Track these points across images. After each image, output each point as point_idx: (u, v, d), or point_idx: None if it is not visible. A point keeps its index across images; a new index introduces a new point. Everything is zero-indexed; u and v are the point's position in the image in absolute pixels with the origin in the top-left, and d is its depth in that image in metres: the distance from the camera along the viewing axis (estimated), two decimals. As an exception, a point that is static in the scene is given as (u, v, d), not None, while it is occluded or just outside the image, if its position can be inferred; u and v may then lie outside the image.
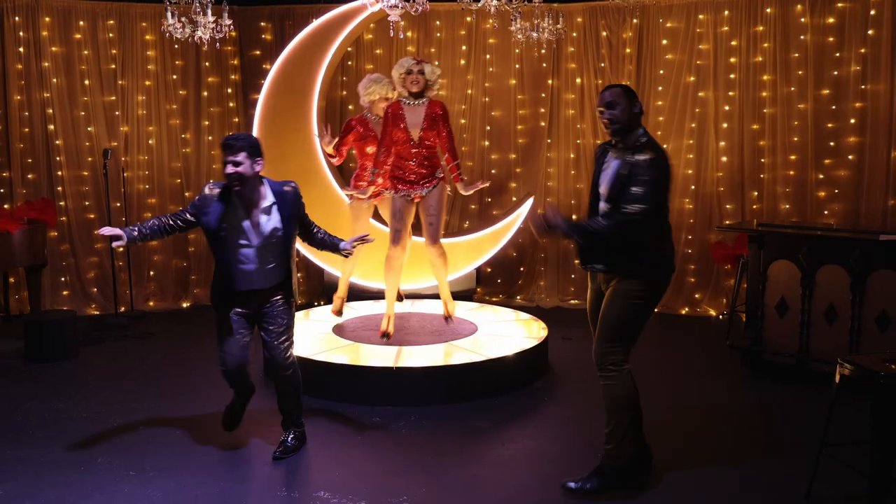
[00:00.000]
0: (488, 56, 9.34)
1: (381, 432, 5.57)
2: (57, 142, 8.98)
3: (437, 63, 9.30)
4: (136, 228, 4.92)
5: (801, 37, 8.12)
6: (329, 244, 5.27)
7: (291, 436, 5.21)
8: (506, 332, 7.02)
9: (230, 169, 4.75)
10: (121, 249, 4.69)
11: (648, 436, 4.77)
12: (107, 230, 4.81)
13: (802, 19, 8.09)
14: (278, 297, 5.05)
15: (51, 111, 8.91)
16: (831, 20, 7.99)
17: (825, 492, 4.48)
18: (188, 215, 4.95)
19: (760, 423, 5.72)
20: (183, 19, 6.48)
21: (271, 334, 5.04)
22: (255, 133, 8.07)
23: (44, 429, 5.63)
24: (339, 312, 7.39)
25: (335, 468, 5.01)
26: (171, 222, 4.96)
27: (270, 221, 4.92)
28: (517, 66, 9.29)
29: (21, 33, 8.72)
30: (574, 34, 9.08)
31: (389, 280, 6.86)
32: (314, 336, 6.94)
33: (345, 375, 6.19)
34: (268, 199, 4.92)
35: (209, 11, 6.36)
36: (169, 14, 6.36)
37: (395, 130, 6.49)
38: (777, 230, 6.69)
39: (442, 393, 6.10)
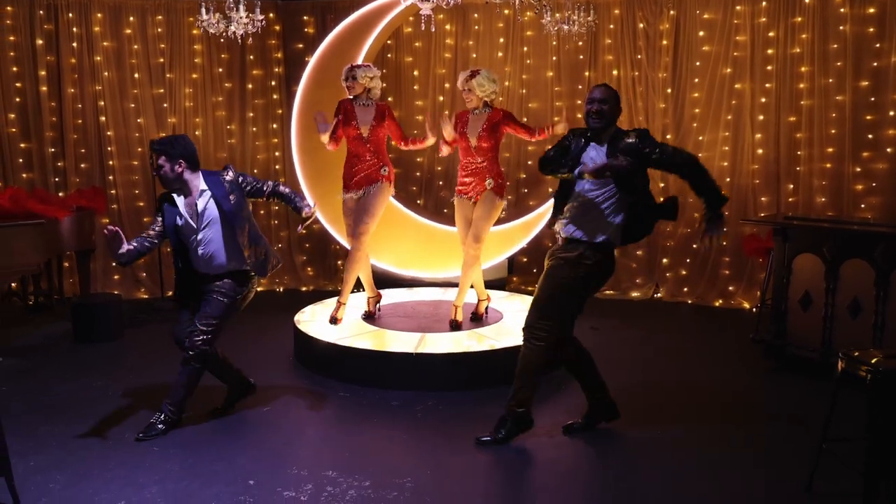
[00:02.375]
0: (525, 48, 9.43)
1: (396, 416, 5.74)
2: (108, 133, 9.34)
3: (474, 55, 9.46)
4: (127, 249, 5.26)
5: (841, 27, 8.03)
6: (283, 198, 5.54)
7: (162, 416, 5.41)
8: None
9: (161, 171, 5.27)
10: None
11: (659, 421, 5.27)
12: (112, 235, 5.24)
13: (842, 9, 8.00)
14: (221, 284, 5.41)
15: (102, 103, 9.28)
16: (871, 10, 7.89)
17: (826, 486, 4.49)
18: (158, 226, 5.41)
19: (775, 416, 5.73)
20: (217, 15, 6.69)
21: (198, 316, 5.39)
22: (293, 124, 8.29)
23: (80, 405, 5.92)
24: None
25: (347, 449, 5.20)
26: (147, 243, 5.38)
27: (207, 206, 5.32)
28: (554, 58, 9.35)
29: (74, 29, 9.09)
30: (611, 26, 9.11)
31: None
32: (343, 322, 7.12)
33: (369, 360, 6.35)
34: (201, 186, 5.32)
35: (241, 7, 6.53)
36: (203, 10, 6.56)
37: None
38: (801, 224, 6.66)
39: (461, 379, 6.24)
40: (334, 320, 7.04)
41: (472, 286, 7.15)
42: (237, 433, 5.40)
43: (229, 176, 5.39)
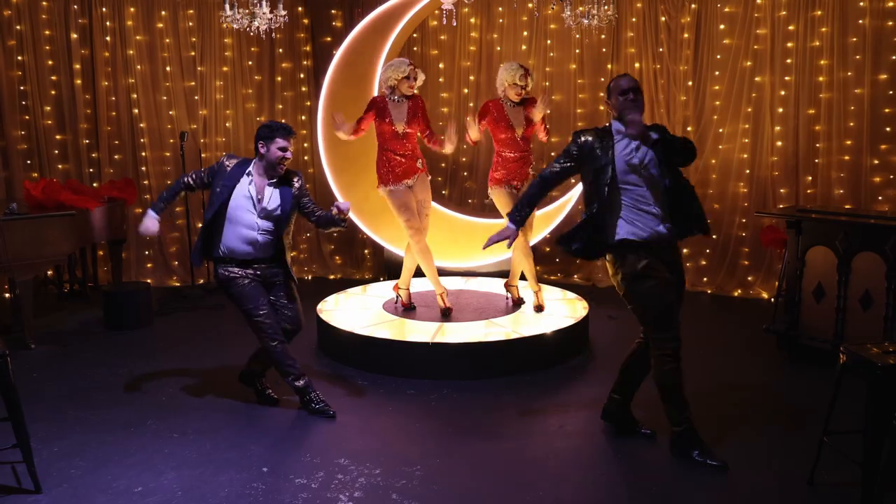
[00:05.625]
0: (549, 41, 9.54)
1: (411, 404, 5.89)
2: (141, 125, 9.60)
3: (498, 48, 9.59)
4: (161, 202, 5.62)
5: (860, 21, 8.05)
6: (326, 220, 5.68)
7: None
8: (548, 311, 7.24)
9: (289, 154, 5.43)
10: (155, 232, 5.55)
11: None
12: (147, 229, 5.56)
13: (861, 3, 8.02)
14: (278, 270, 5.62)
15: (135, 96, 9.53)
16: (891, 4, 7.90)
17: (828, 477, 4.56)
18: (204, 177, 5.56)
19: (784, 406, 5.82)
20: (241, 11, 6.84)
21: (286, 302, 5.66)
22: (319, 118, 8.46)
23: (105, 391, 6.15)
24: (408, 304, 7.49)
25: (360, 437, 5.35)
26: (188, 180, 5.63)
27: (272, 199, 5.46)
28: (577, 51, 9.45)
29: (108, 23, 9.35)
30: (633, 19, 9.19)
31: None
32: (364, 311, 7.33)
33: (387, 349, 6.51)
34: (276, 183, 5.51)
35: (265, 3, 6.68)
36: (227, 6, 6.70)
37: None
38: (814, 216, 6.72)
39: (477, 368, 6.38)
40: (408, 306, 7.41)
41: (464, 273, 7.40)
42: (254, 420, 5.56)
43: (297, 184, 5.59)
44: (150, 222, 5.58)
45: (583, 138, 4.86)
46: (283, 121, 9.82)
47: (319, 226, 5.74)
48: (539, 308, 7.27)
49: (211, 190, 5.51)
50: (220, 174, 5.48)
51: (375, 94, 8.31)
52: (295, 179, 5.58)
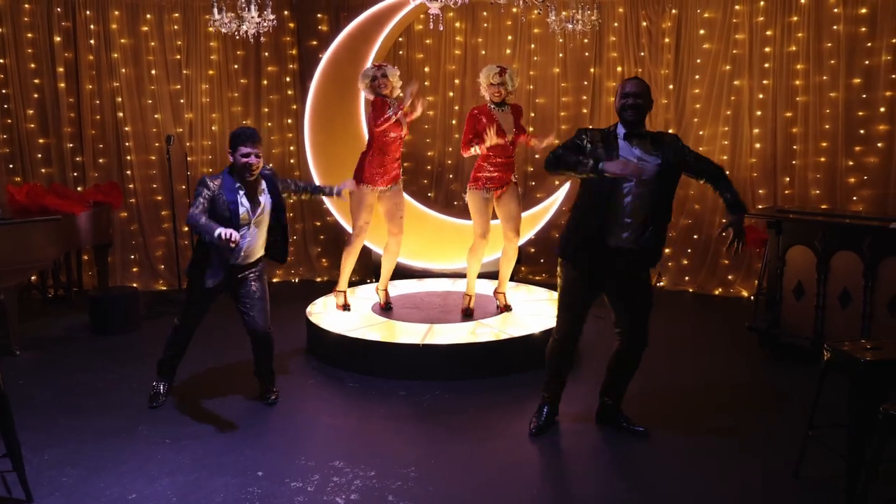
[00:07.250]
0: (533, 45, 9.68)
1: (403, 405, 5.94)
2: (126, 128, 9.58)
3: (483, 52, 9.69)
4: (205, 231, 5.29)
5: (834, 27, 8.26)
6: (304, 189, 5.96)
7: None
8: (535, 311, 7.35)
9: (253, 160, 5.37)
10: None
11: (654, 408, 5.51)
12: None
13: (836, 10, 8.24)
14: (257, 268, 5.74)
15: (120, 99, 9.52)
16: (863, 11, 8.12)
17: (813, 471, 4.69)
18: (206, 204, 5.38)
19: (768, 402, 5.96)
20: (230, 15, 6.88)
21: (253, 302, 5.73)
22: (306, 120, 8.52)
23: (95, 397, 6.10)
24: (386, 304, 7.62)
25: (354, 438, 5.40)
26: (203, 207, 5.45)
27: (265, 200, 5.56)
28: (560, 55, 9.61)
29: (92, 26, 9.34)
30: (615, 24, 9.36)
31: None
32: (353, 313, 7.39)
33: (377, 351, 6.57)
34: (262, 183, 5.56)
35: (253, 7, 6.72)
36: (215, 10, 6.74)
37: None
38: (793, 217, 6.89)
39: (467, 369, 6.46)
40: (347, 307, 7.45)
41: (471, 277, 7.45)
42: (247, 425, 5.56)
43: (274, 180, 5.66)
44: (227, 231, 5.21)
45: (588, 134, 4.99)
46: (268, 124, 9.93)
47: (299, 192, 6.02)
48: (507, 308, 7.40)
49: (210, 212, 5.36)
50: (216, 198, 5.36)
51: (361, 95, 8.33)
52: (268, 172, 5.66)
